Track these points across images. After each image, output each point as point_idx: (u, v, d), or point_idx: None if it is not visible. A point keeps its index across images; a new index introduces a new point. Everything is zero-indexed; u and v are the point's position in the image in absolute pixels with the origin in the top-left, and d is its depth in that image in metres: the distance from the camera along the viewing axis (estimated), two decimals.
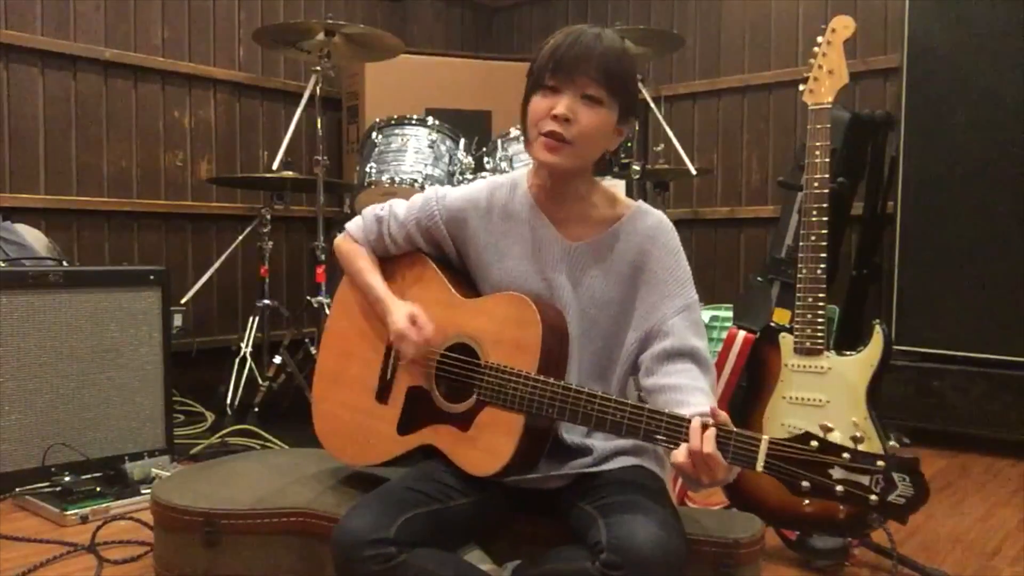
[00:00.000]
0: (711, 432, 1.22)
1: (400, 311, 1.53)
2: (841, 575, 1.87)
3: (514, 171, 1.54)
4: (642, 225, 1.50)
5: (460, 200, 1.58)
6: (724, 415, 1.26)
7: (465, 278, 1.60)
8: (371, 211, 1.67)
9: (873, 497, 1.13)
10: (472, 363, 1.46)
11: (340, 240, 1.70)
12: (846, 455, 1.15)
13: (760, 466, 1.19)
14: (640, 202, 1.55)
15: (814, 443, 1.17)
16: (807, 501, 1.20)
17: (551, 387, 1.36)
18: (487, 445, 1.42)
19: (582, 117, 1.40)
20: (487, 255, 1.55)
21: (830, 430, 1.18)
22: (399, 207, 1.63)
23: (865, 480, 1.14)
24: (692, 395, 1.37)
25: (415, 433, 1.53)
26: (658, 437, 1.27)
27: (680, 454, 1.23)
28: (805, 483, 1.16)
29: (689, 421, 1.25)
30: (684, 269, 1.49)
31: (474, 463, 1.43)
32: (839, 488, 1.14)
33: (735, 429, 1.22)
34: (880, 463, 1.13)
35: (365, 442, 1.60)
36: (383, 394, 1.59)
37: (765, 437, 1.20)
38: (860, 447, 1.15)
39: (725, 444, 1.21)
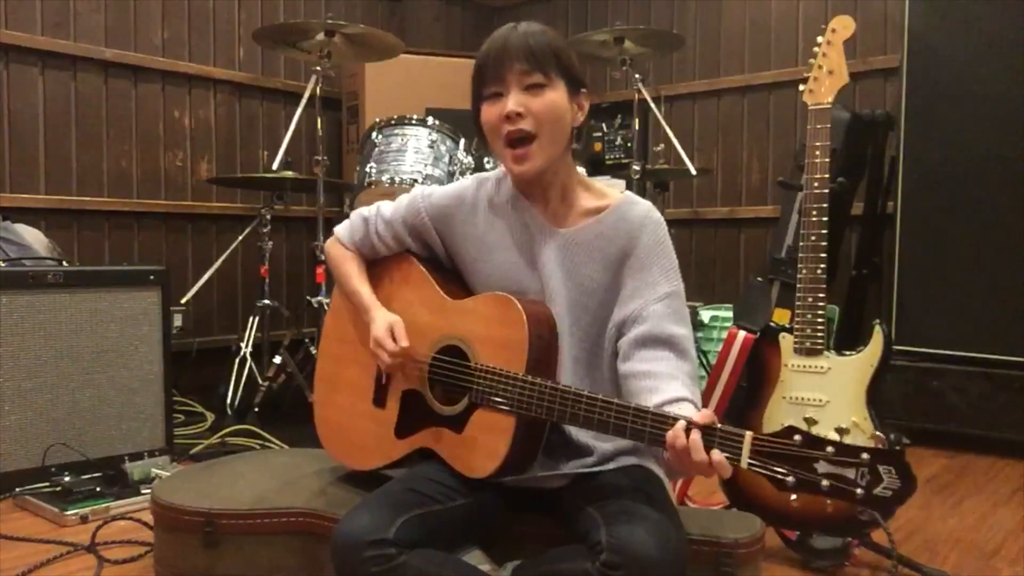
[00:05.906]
0: (696, 437, 1.19)
1: (381, 320, 1.54)
2: (841, 575, 1.87)
3: (501, 167, 1.54)
4: (630, 214, 1.50)
5: (446, 197, 1.58)
6: (706, 412, 1.24)
7: (454, 277, 1.60)
8: (358, 213, 1.67)
9: (859, 491, 1.10)
10: (463, 365, 1.46)
11: (329, 244, 1.70)
12: (830, 449, 1.12)
13: (744, 462, 1.17)
14: (627, 192, 1.55)
15: (797, 437, 1.15)
16: (794, 497, 1.17)
17: (539, 387, 1.35)
18: (481, 447, 1.41)
19: (532, 105, 1.42)
20: (475, 250, 1.55)
21: (815, 423, 1.15)
22: (386, 208, 1.63)
23: (851, 474, 1.11)
24: (665, 382, 1.36)
25: (412, 436, 1.53)
26: (644, 436, 1.26)
27: (669, 454, 1.23)
28: (790, 479, 1.14)
29: (673, 420, 1.23)
30: (670, 258, 1.49)
31: (469, 465, 1.43)
32: (825, 483, 1.12)
33: (718, 426, 1.20)
34: (865, 455, 1.10)
35: (366, 446, 1.60)
36: (380, 398, 1.59)
37: (748, 433, 1.18)
38: (845, 439, 1.13)
39: (709, 442, 1.20)
